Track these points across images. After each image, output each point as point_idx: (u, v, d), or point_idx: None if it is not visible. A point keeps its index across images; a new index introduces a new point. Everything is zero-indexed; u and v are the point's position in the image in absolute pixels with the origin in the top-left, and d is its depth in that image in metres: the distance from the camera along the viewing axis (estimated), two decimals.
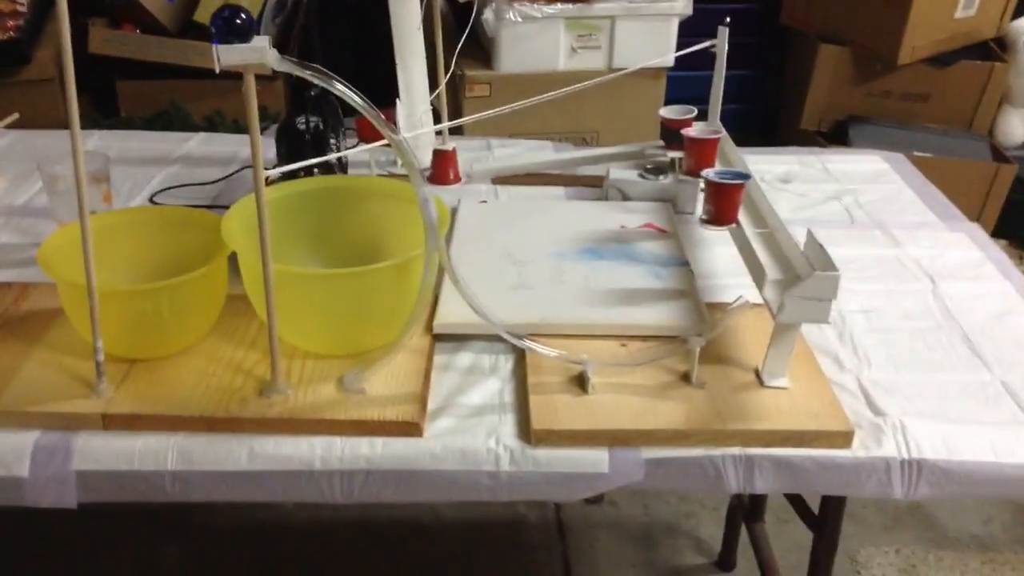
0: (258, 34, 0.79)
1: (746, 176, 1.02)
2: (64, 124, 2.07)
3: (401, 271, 0.92)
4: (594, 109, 2.25)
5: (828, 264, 0.87)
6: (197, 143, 1.54)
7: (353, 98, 0.82)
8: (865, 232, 1.29)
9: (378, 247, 1.06)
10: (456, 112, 2.23)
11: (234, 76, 2.44)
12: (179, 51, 2.54)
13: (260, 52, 0.78)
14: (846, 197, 1.39)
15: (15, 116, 1.52)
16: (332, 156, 1.10)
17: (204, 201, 1.32)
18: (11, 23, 2.34)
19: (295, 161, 1.13)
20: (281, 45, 2.71)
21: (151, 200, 1.33)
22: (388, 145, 1.20)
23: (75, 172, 0.84)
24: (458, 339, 1.02)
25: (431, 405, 0.93)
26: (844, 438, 0.89)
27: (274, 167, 1.21)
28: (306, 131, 1.14)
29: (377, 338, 0.96)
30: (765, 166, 1.49)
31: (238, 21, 0.76)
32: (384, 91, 1.42)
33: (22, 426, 0.88)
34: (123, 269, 1.00)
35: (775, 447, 0.88)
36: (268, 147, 1.51)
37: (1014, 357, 1.02)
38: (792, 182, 1.44)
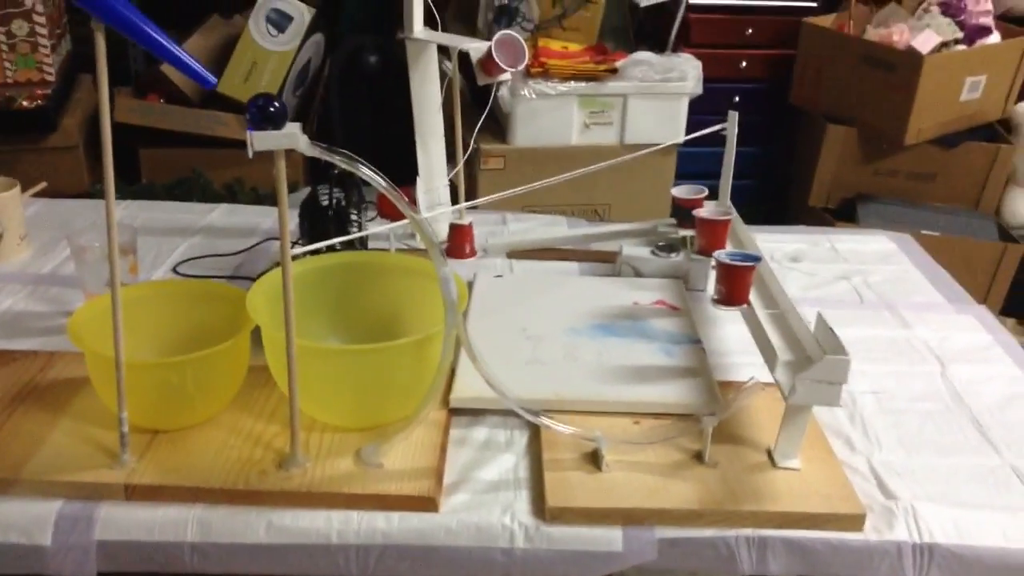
0: (280, 106, 0.82)
1: (757, 258, 1.05)
2: (87, 192, 2.13)
3: (420, 347, 0.94)
4: (606, 184, 2.29)
5: (838, 348, 0.89)
6: (219, 214, 1.58)
7: (379, 182, 0.85)
8: (874, 313, 1.31)
9: (397, 322, 1.08)
10: (471, 183, 2.27)
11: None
12: (201, 121, 2.60)
13: (292, 139, 0.81)
14: (855, 277, 1.41)
15: (43, 185, 1.56)
16: (355, 236, 1.13)
17: (226, 272, 1.35)
18: (39, 92, 2.40)
19: (318, 235, 1.17)
20: (301, 116, 2.77)
21: (174, 270, 1.36)
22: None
23: (108, 248, 0.87)
24: (474, 413, 1.04)
25: (447, 479, 0.94)
26: (856, 521, 0.89)
27: (297, 241, 1.24)
28: (329, 207, 1.17)
29: (395, 412, 0.98)
30: (775, 244, 1.52)
31: (271, 109, 0.79)
32: (403, 162, 1.46)
33: (46, 495, 0.89)
34: (148, 340, 1.03)
35: (787, 529, 0.89)
36: (290, 219, 1.55)
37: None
38: (802, 261, 1.46)
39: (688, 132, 2.37)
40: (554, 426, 0.95)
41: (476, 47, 1.26)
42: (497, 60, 1.23)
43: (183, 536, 0.88)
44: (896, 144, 2.22)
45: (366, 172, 0.85)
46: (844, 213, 2.35)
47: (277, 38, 2.60)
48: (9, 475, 0.90)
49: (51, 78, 2.42)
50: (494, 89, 1.97)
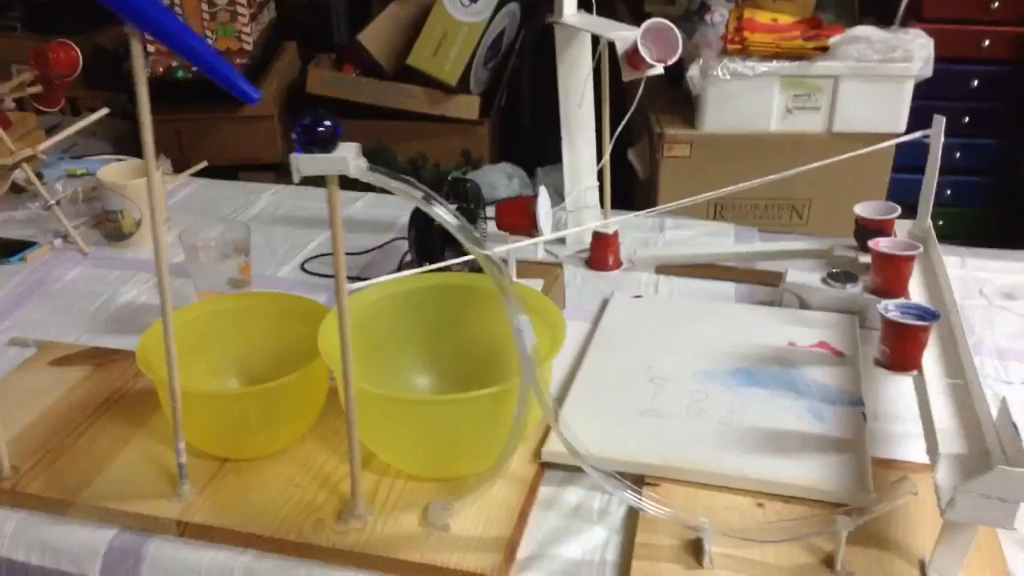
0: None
1: (934, 316, 0.83)
2: (279, 161, 2.09)
3: (499, 400, 0.81)
4: (808, 176, 2.03)
5: (1017, 456, 0.68)
6: (363, 204, 1.51)
7: (445, 219, 0.73)
8: None
9: (499, 355, 0.96)
10: (652, 171, 2.10)
11: (439, 119, 2.40)
12: (390, 94, 2.58)
13: (341, 163, 0.70)
14: None
15: (203, 165, 1.55)
16: (456, 261, 1.01)
17: (353, 272, 1.28)
18: (238, 61, 2.45)
19: (426, 248, 1.07)
20: (491, 89, 2.68)
21: (302, 267, 1.30)
22: (529, 234, 1.10)
23: (156, 268, 0.80)
24: (570, 469, 0.90)
25: (523, 552, 0.82)
26: None
27: (405, 255, 1.14)
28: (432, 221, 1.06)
29: (473, 465, 0.86)
30: (987, 274, 1.26)
31: (320, 130, 0.68)
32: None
33: (102, 521, 0.85)
34: (232, 358, 0.97)
35: None
36: (398, 206, 1.46)
37: None
38: (1018, 299, 1.20)
39: (913, 120, 2.07)
40: (648, 507, 0.79)
41: (624, 36, 1.10)
42: (643, 54, 1.06)
43: None
44: None
45: (435, 208, 0.73)
46: None
47: (469, 8, 2.51)
48: (69, 496, 0.86)
49: (249, 47, 2.46)
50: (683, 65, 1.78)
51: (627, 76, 1.10)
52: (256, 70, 2.52)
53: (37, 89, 1.37)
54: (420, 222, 1.07)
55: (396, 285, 0.98)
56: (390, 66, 2.66)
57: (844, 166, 2.15)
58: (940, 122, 1.11)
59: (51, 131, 1.53)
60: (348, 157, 0.70)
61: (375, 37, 2.65)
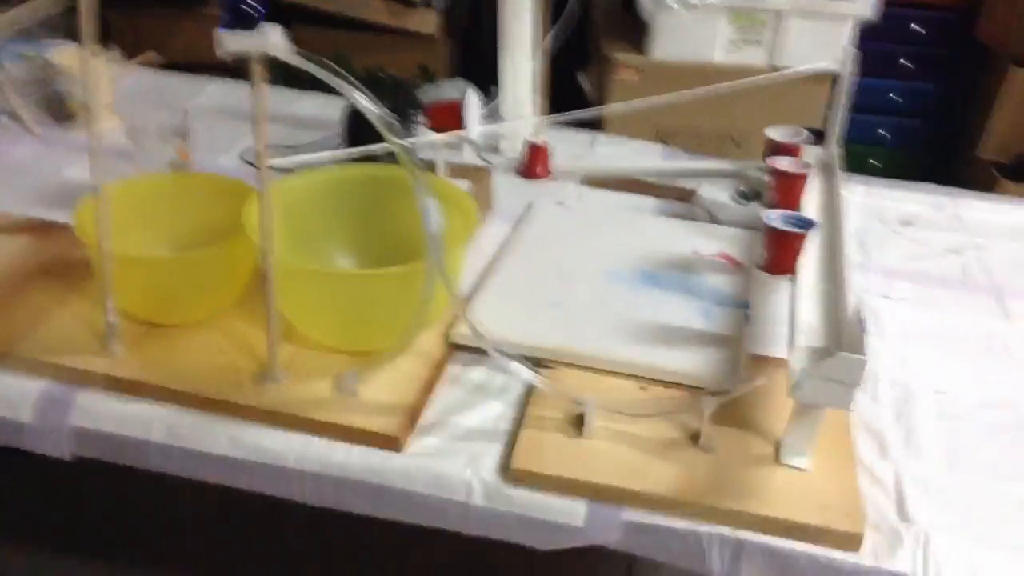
0: (257, 6, 0.76)
1: (810, 224, 0.91)
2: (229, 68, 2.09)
3: (409, 277, 0.88)
4: (748, 109, 2.10)
5: (858, 344, 0.76)
6: (312, 103, 1.55)
7: (369, 109, 0.78)
8: (976, 298, 1.13)
9: (420, 244, 1.02)
10: (602, 96, 2.15)
11: (398, 32, 2.41)
12: (347, 3, 2.58)
13: (263, 43, 0.75)
14: (969, 253, 1.23)
15: (150, 54, 1.58)
16: (376, 147, 1.07)
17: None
18: None
19: (357, 143, 1.12)
20: (452, 10, 2.70)
21: (241, 157, 1.35)
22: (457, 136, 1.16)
23: (90, 143, 0.85)
24: (478, 352, 0.98)
25: (425, 419, 0.90)
26: (852, 540, 0.79)
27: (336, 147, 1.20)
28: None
29: (384, 340, 0.93)
30: (889, 202, 1.34)
31: (243, 7, 0.74)
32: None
33: (34, 373, 0.92)
34: (164, 232, 1.03)
35: (770, 535, 0.80)
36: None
37: None
38: (913, 225, 1.29)
39: (859, 60, 2.13)
40: (540, 383, 0.88)
41: None
42: None
43: (149, 435, 0.88)
44: None
45: (357, 99, 0.78)
46: (1017, 171, 2.06)
47: None
48: (4, 348, 0.92)
49: None
50: None
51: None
52: None
53: None
54: (354, 117, 1.13)
55: (324, 174, 1.04)
56: None
57: (782, 102, 2.23)
58: (851, 54, 1.18)
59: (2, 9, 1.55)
60: (270, 36, 0.75)
61: None
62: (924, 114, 2.36)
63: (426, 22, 2.63)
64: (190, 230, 1.02)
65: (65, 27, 2.40)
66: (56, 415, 0.89)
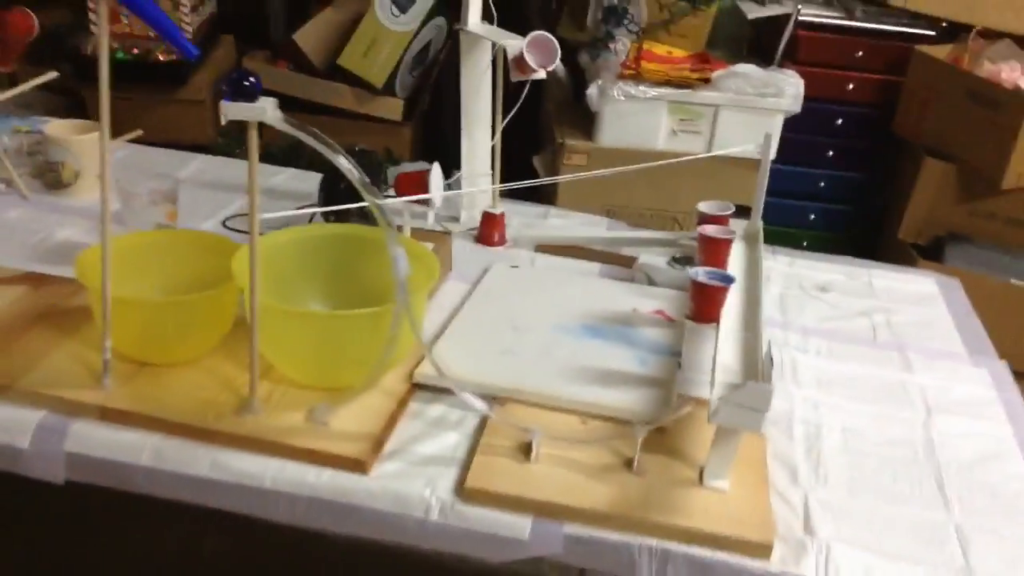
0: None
1: (729, 280, 1.05)
2: (211, 144, 2.26)
3: (377, 319, 1.00)
4: (689, 192, 2.28)
5: (767, 375, 0.89)
6: (284, 178, 1.68)
7: (349, 170, 0.91)
8: (882, 353, 1.27)
9: (387, 294, 1.14)
10: (547, 174, 2.31)
11: (365, 118, 2.59)
12: (321, 90, 2.75)
13: (261, 111, 0.88)
14: (878, 315, 1.37)
15: (137, 132, 1.70)
16: (353, 206, 1.19)
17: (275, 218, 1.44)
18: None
19: (331, 204, 1.25)
20: (415, 95, 2.87)
21: (223, 223, 1.47)
22: (423, 202, 1.30)
23: (101, 191, 0.97)
24: (438, 391, 1.09)
25: (389, 447, 1.00)
26: (762, 549, 0.90)
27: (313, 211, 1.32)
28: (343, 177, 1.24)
29: (352, 377, 1.04)
30: (809, 272, 1.49)
31: (245, 84, 0.87)
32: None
33: (33, 405, 1.01)
34: (155, 282, 1.13)
35: (692, 545, 0.90)
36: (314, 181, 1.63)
37: (979, 504, 0.99)
38: (830, 292, 1.43)
39: (784, 150, 2.33)
40: (491, 413, 0.99)
41: (513, 44, 1.30)
42: (528, 60, 1.26)
43: (138, 460, 0.97)
44: (993, 186, 2.10)
45: (340, 160, 0.91)
46: (932, 252, 2.25)
47: (399, 18, 2.70)
48: (5, 382, 1.02)
49: (189, 35, 2.61)
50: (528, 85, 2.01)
51: (515, 77, 1.30)
52: (194, 58, 2.67)
53: None
54: (329, 181, 1.25)
55: (302, 232, 1.16)
56: (322, 66, 2.83)
57: (720, 187, 2.41)
58: (768, 139, 1.34)
59: None
60: (267, 107, 0.88)
61: (310, 37, 2.82)
62: (849, 200, 2.55)
63: (390, 108, 2.81)
64: (178, 281, 1.13)
65: (43, 104, 2.52)
66: (52, 442, 0.98)
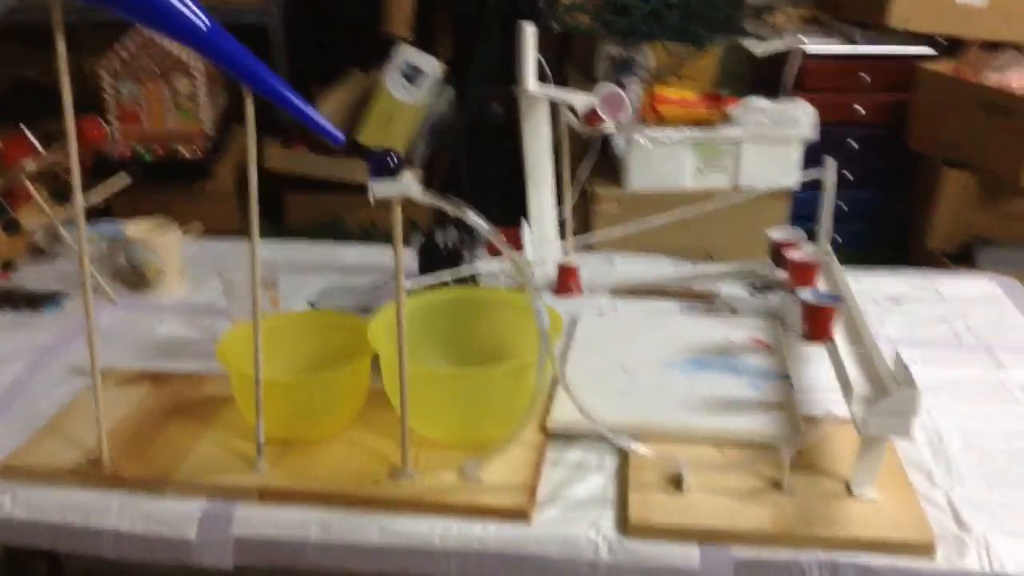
0: (412, 158, 0.94)
1: (838, 299, 1.10)
2: (239, 232, 2.33)
3: (516, 374, 1.04)
4: (718, 227, 2.34)
5: (910, 381, 0.94)
6: (354, 254, 1.73)
7: (481, 224, 0.96)
8: (971, 354, 1.33)
9: (503, 351, 1.19)
10: (587, 226, 2.38)
11: None
12: (341, 169, 2.81)
13: (406, 188, 0.93)
14: (955, 320, 1.43)
15: (200, 227, 1.75)
16: (465, 271, 1.25)
17: (356, 306, 1.49)
18: (197, 143, 2.65)
19: (432, 271, 1.30)
20: (431, 164, 2.94)
21: (310, 303, 1.51)
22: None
23: (251, 281, 1.01)
24: (569, 437, 1.13)
25: (540, 495, 1.03)
26: (926, 549, 0.94)
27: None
28: (444, 247, 1.29)
29: (495, 432, 1.08)
30: (876, 286, 1.55)
31: (390, 162, 0.92)
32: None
33: (192, 495, 1.04)
34: (284, 363, 1.17)
35: (858, 553, 0.94)
36: (413, 258, 1.69)
37: None
38: (903, 303, 1.49)
39: (804, 177, 2.41)
40: (640, 449, 1.03)
41: (582, 101, 1.37)
42: (601, 114, 1.33)
43: (307, 536, 1.00)
44: (1014, 189, 2.19)
45: (471, 216, 0.96)
46: (963, 258, 2.33)
47: (411, 91, 2.78)
48: (162, 476, 1.04)
49: (208, 130, 2.67)
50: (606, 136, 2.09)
51: (585, 132, 1.37)
52: (214, 151, 2.73)
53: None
54: (429, 252, 1.30)
55: (417, 300, 1.21)
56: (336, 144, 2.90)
57: (747, 219, 2.48)
58: (831, 164, 1.40)
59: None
60: (412, 184, 0.93)
61: (324, 116, 2.89)
62: (873, 218, 2.63)
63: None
64: (303, 359, 1.17)
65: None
66: (218, 529, 1.01)
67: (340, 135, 0.99)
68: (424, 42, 2.94)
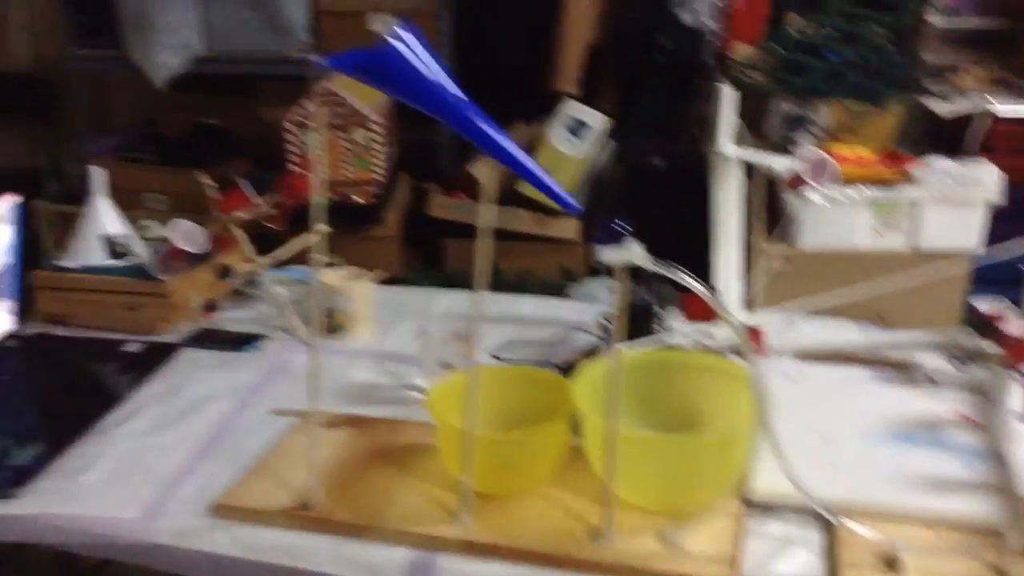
0: (624, 227, 0.95)
1: None
2: (399, 277, 2.36)
3: (725, 441, 1.03)
4: (890, 286, 2.26)
5: None
6: (530, 305, 1.75)
7: (700, 290, 0.96)
8: None
9: (697, 415, 1.18)
10: (750, 282, 2.33)
11: (541, 239, 2.71)
12: (502, 217, 2.85)
13: (633, 255, 0.94)
14: None
15: (381, 274, 1.80)
16: (673, 339, 1.24)
17: (538, 359, 1.50)
18: (370, 189, 2.75)
19: (636, 334, 1.30)
20: (589, 216, 2.96)
21: (493, 356, 1.53)
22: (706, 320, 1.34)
23: (468, 339, 1.03)
24: (767, 507, 1.10)
25: (744, 568, 1.01)
26: None
27: (603, 336, 1.37)
28: (640, 306, 1.30)
29: (697, 499, 1.07)
30: None
31: (617, 229, 0.93)
32: (684, 262, 1.54)
33: (398, 543, 1.06)
34: (483, 417, 1.18)
35: None
36: (580, 311, 1.69)
37: None
38: None
39: (987, 241, 2.31)
40: (853, 526, 0.99)
41: (785, 165, 1.35)
42: (808, 179, 1.31)
43: None
44: None
45: (689, 282, 0.96)
46: None
47: (574, 144, 2.81)
48: (367, 522, 1.07)
49: (380, 177, 2.77)
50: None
51: (787, 194, 1.35)
52: (384, 197, 2.82)
53: (272, 212, 1.65)
54: (635, 312, 1.31)
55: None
56: (496, 193, 2.96)
57: (920, 279, 2.37)
58: None
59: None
60: (637, 251, 0.94)
61: (485, 168, 2.96)
62: None
63: (567, 229, 2.90)
64: (503, 414, 1.18)
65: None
66: None
67: (576, 205, 1.01)
68: (588, 95, 2.97)
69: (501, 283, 2.83)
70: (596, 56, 3.00)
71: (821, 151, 1.34)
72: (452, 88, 0.98)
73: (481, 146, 0.97)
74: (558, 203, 1.02)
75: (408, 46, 0.96)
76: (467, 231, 2.91)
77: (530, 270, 2.87)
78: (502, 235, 2.90)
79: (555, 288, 2.75)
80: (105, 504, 1.14)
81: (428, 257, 3.05)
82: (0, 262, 1.51)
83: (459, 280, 2.86)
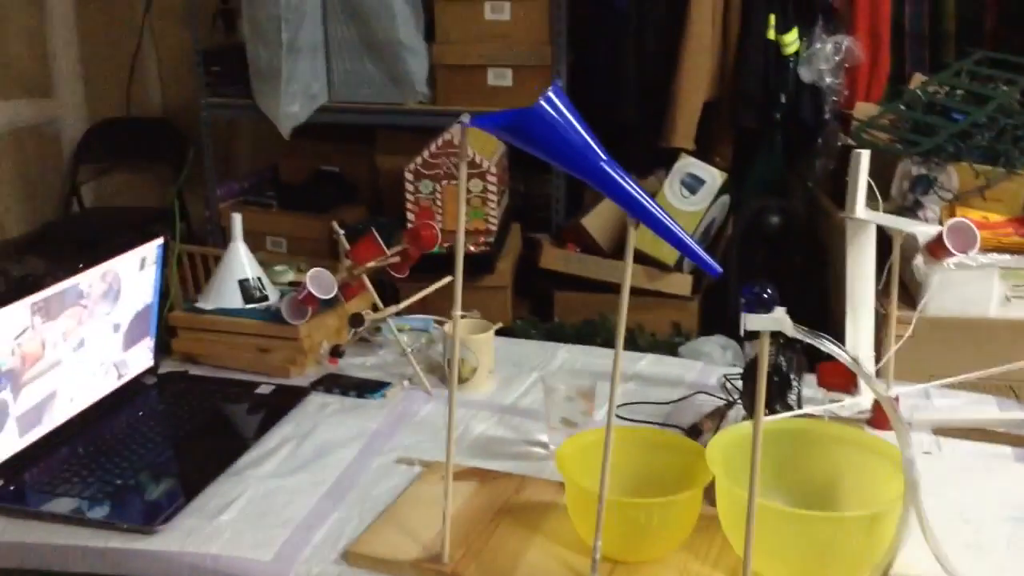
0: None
1: None
2: (509, 327, 2.33)
3: (872, 520, 0.99)
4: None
5: None
6: (647, 363, 1.73)
7: (847, 359, 0.93)
8: None
9: (832, 490, 1.14)
10: (877, 350, 2.26)
11: (653, 293, 2.68)
12: (612, 270, 2.85)
13: (780, 322, 0.92)
14: None
15: (499, 325, 1.82)
16: (811, 410, 1.21)
17: (657, 418, 1.49)
18: (483, 239, 2.79)
19: (751, 395, 1.27)
20: (700, 272, 2.93)
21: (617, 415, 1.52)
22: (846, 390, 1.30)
23: (609, 405, 1.03)
24: None
25: None
26: None
27: (735, 400, 1.35)
28: (774, 372, 1.27)
29: None
30: None
31: (765, 296, 0.91)
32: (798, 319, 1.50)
33: None
34: (613, 480, 1.17)
35: None
36: (697, 370, 1.67)
37: None
38: None
39: None
40: None
41: (924, 232, 1.32)
42: (949, 246, 1.27)
43: None
44: None
45: (835, 350, 0.94)
46: None
47: (688, 199, 2.80)
48: None
49: (493, 227, 2.80)
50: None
51: (927, 264, 1.31)
52: (497, 247, 2.85)
53: (396, 260, 1.68)
54: (755, 375, 1.28)
55: (747, 427, 1.19)
56: (608, 247, 2.96)
57: None
58: None
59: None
60: (784, 318, 0.92)
61: (597, 221, 2.97)
62: None
63: (679, 284, 2.87)
64: (632, 476, 1.17)
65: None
66: None
67: (717, 267, 1.00)
68: (703, 150, 2.96)
69: (612, 338, 2.83)
70: (713, 111, 3.00)
71: (963, 218, 1.29)
72: (599, 150, 0.99)
73: (626, 207, 0.98)
74: (701, 265, 1.01)
75: (556, 109, 0.98)
76: (577, 283, 2.94)
77: (640, 325, 2.85)
78: (611, 287, 2.91)
79: (666, 345, 2.73)
80: (240, 546, 1.16)
81: (536, 308, 3.06)
82: (144, 301, 1.57)
83: (569, 332, 2.87)
